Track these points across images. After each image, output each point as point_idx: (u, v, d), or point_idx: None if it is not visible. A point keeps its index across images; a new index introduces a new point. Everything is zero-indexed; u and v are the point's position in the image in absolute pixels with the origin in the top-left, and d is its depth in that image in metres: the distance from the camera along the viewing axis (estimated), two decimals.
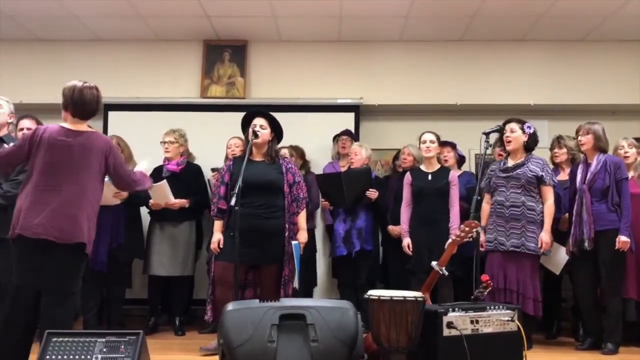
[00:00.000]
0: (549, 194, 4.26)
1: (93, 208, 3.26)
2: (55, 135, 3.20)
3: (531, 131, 4.30)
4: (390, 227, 4.95)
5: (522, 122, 4.32)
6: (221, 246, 4.01)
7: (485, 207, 4.36)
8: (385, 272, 5.27)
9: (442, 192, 4.51)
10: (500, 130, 4.30)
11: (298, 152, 5.37)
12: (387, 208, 5.07)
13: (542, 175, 4.21)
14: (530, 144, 4.31)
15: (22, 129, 4.28)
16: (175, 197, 4.73)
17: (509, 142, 4.30)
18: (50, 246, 3.08)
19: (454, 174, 4.64)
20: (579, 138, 4.37)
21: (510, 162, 4.32)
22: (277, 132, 4.16)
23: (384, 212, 5.11)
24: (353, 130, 5.79)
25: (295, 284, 4.09)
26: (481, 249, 4.21)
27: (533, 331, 4.32)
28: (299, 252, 4.07)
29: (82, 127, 3.30)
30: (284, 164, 4.15)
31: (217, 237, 4.04)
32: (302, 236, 4.14)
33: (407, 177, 4.68)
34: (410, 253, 4.53)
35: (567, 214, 4.57)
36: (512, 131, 4.29)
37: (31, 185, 3.16)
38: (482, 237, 4.16)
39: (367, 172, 4.95)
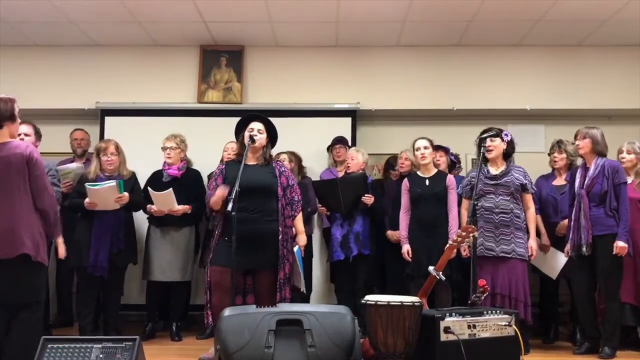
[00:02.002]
0: (531, 201, 4.38)
1: (32, 217, 3.20)
2: None
3: (509, 138, 4.40)
4: (389, 233, 4.94)
5: (500, 131, 4.39)
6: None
7: (464, 214, 4.38)
8: (384, 277, 5.26)
9: (440, 196, 4.52)
10: (497, 135, 4.31)
11: (295, 158, 5.38)
12: (384, 212, 5.07)
13: (525, 183, 4.32)
14: (510, 150, 4.42)
15: (19, 134, 4.27)
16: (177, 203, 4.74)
17: (491, 150, 4.33)
18: None
19: (452, 178, 4.64)
20: (577, 142, 4.38)
21: (492, 170, 4.35)
22: (271, 135, 4.16)
23: (381, 217, 5.11)
24: (350, 135, 5.81)
25: (303, 288, 4.13)
26: (464, 254, 4.24)
27: (530, 336, 4.32)
28: (300, 255, 4.07)
29: (1, 138, 3.22)
30: (277, 167, 4.14)
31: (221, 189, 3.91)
32: (302, 240, 4.14)
33: (405, 183, 4.68)
34: (409, 259, 4.52)
35: (565, 220, 4.59)
36: (492, 140, 4.33)
37: None
38: (466, 245, 4.15)
39: (363, 178, 4.95)
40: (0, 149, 3.19)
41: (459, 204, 4.49)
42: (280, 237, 3.96)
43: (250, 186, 3.85)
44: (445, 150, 5.12)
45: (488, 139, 4.31)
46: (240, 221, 3.72)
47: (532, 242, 4.29)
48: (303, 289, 4.11)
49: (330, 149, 5.59)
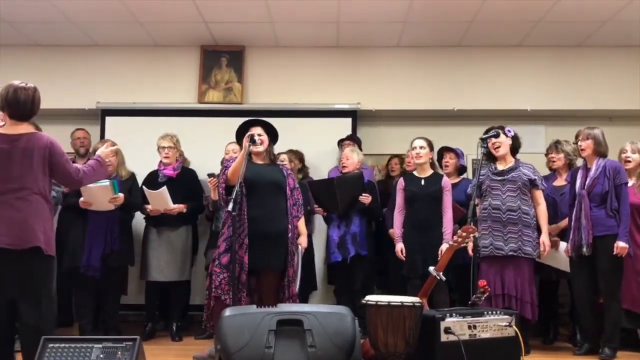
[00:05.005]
0: (541, 197, 4.35)
1: (45, 210, 3.20)
2: None
3: (512, 134, 4.38)
4: (392, 231, 4.93)
5: (502, 128, 4.37)
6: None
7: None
8: (387, 277, 5.24)
9: (434, 197, 4.49)
10: (498, 135, 4.31)
11: (297, 156, 5.37)
12: (381, 213, 5.06)
13: (534, 179, 4.29)
14: (516, 145, 4.40)
15: None
16: (172, 202, 4.73)
17: (498, 148, 4.32)
18: (7, 254, 3.06)
19: (447, 180, 4.62)
20: (579, 143, 4.37)
21: (500, 166, 4.35)
22: (272, 135, 4.15)
23: (378, 218, 5.10)
24: None
25: (296, 290, 4.10)
26: (470, 254, 4.21)
27: (530, 336, 4.32)
28: (301, 257, 4.08)
29: (22, 129, 3.23)
30: (284, 168, 4.17)
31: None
32: (304, 241, 4.15)
33: (400, 182, 4.68)
34: (404, 258, 4.52)
35: (559, 223, 4.59)
36: (495, 138, 4.32)
37: None
38: (471, 244, 4.12)
39: (359, 177, 4.94)
40: (21, 140, 3.17)
41: (466, 203, 4.47)
42: (289, 234, 3.94)
43: (262, 182, 3.86)
44: (455, 152, 5.09)
45: (492, 138, 4.30)
46: (254, 220, 3.74)
47: (545, 238, 4.23)
48: (296, 290, 4.10)
49: (340, 144, 5.56)
